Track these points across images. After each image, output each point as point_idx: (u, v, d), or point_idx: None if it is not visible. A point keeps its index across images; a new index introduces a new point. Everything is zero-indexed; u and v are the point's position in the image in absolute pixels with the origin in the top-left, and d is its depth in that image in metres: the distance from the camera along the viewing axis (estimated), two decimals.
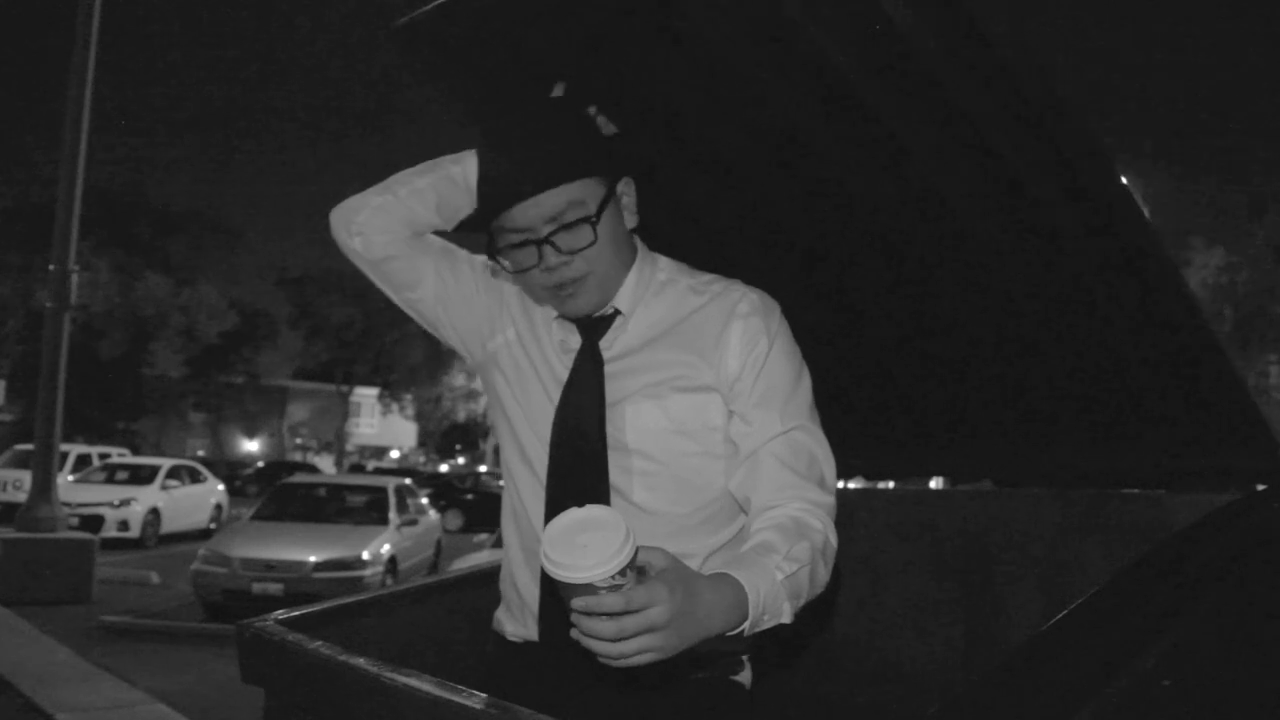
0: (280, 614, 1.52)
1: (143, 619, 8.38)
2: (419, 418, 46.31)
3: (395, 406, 44.88)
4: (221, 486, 19.23)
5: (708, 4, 1.53)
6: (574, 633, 1.04)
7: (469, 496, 23.07)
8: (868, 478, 2.85)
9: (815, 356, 1.48)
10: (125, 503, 15.25)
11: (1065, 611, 1.19)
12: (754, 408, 1.37)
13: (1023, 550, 2.29)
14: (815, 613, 1.29)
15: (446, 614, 1.86)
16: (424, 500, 13.76)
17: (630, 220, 1.45)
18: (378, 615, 1.75)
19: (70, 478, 16.65)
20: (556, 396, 1.43)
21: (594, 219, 1.34)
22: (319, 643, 1.35)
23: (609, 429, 1.39)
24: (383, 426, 49.25)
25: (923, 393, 2.29)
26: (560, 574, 1.00)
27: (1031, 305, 1.86)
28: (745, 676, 1.47)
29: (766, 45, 1.57)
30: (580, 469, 1.39)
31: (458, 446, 50.26)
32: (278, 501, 10.91)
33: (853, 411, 2.36)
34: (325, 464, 40.81)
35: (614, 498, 1.39)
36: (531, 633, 1.46)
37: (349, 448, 45.54)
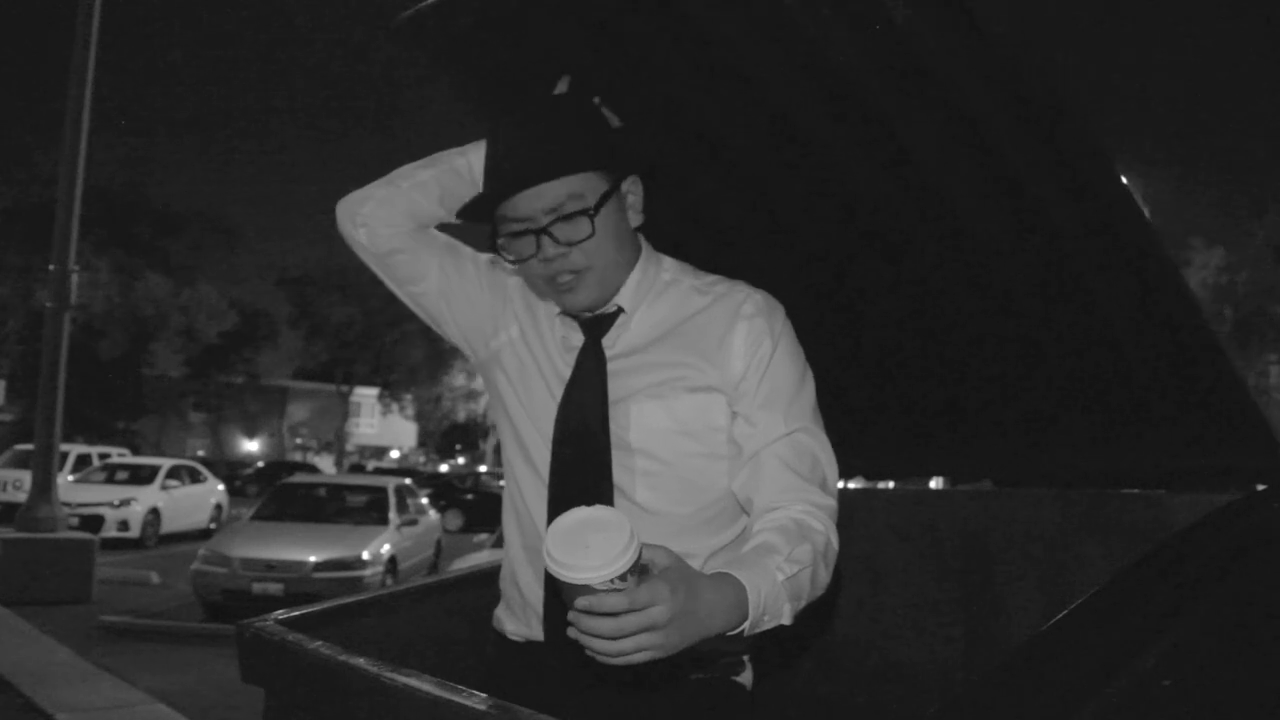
0: (280, 614, 1.52)
1: (143, 619, 8.38)
2: (419, 418, 46.31)
3: (395, 406, 44.88)
4: (221, 486, 19.22)
5: (710, 1, 1.53)
6: (572, 631, 1.04)
7: (469, 496, 23.06)
8: (868, 478, 2.85)
9: (816, 356, 1.48)
10: (125, 503, 15.25)
11: (1065, 611, 1.19)
12: (758, 409, 1.37)
13: (1023, 550, 2.29)
14: (815, 613, 1.29)
15: (446, 614, 1.86)
16: (424, 500, 13.76)
17: (635, 219, 1.45)
18: (378, 615, 1.75)
19: (70, 478, 16.65)
20: (559, 394, 1.43)
21: (592, 211, 1.34)
22: (319, 643, 1.35)
23: (612, 427, 1.39)
24: (383, 426, 49.25)
25: (923, 393, 2.29)
26: (563, 574, 1.00)
27: (1031, 305, 1.86)
28: (746, 677, 1.48)
29: (770, 42, 1.57)
30: (583, 467, 1.39)
31: (458, 446, 50.27)
32: (278, 501, 10.91)
33: (853, 411, 2.36)
34: (325, 464, 40.80)
35: (616, 497, 1.39)
36: (533, 631, 1.46)
37: (349, 448, 45.54)
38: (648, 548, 1.04)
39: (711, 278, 1.50)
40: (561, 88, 1.59)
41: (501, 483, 1.65)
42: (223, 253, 35.34)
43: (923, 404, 2.32)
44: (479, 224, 1.46)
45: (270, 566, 9.02)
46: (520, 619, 1.49)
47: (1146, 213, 1.52)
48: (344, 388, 42.54)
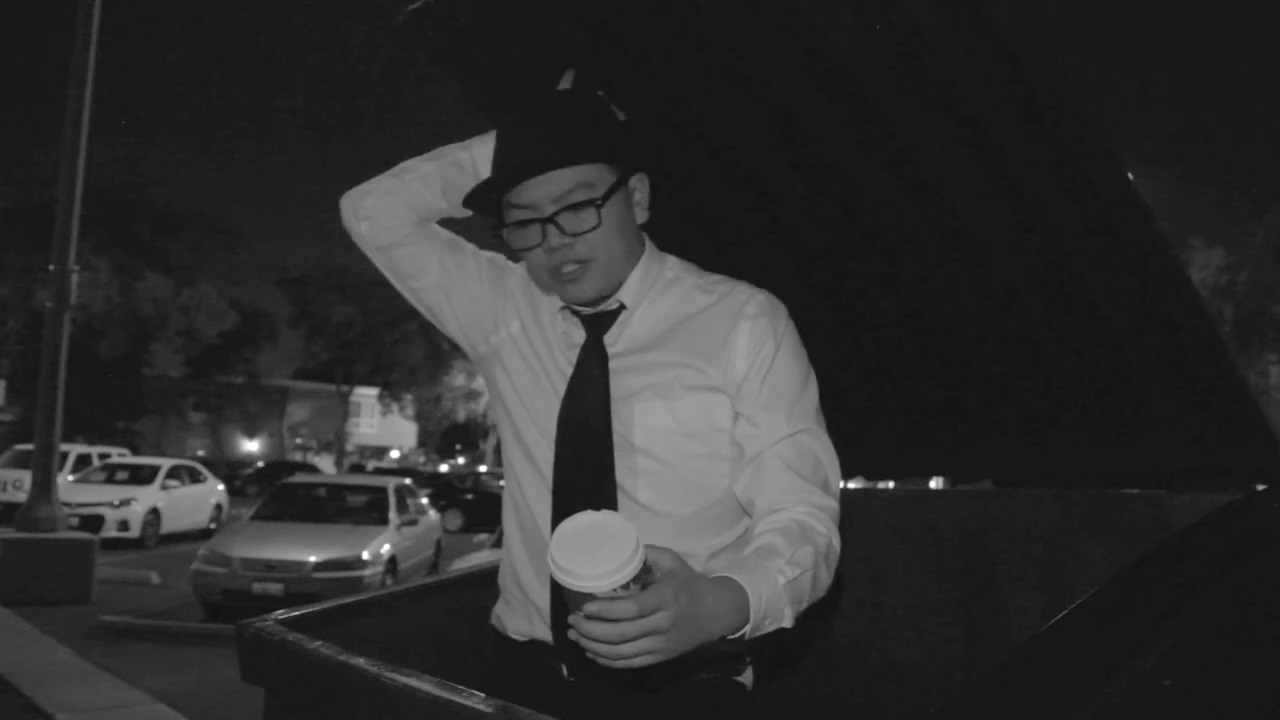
0: (280, 614, 1.52)
1: (143, 619, 8.38)
2: (419, 418, 46.31)
3: (395, 406, 44.88)
4: (221, 486, 19.23)
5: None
6: (573, 633, 1.04)
7: (469, 496, 23.06)
8: (868, 478, 2.85)
9: (816, 355, 1.47)
10: (125, 503, 15.25)
11: (1065, 611, 1.19)
12: (760, 410, 1.37)
13: (1023, 550, 2.29)
14: (816, 613, 1.29)
15: (446, 614, 1.86)
16: (424, 500, 13.76)
17: (641, 215, 1.45)
18: (378, 615, 1.75)
19: (70, 478, 16.65)
20: (560, 391, 1.43)
21: (599, 202, 1.35)
22: (319, 643, 1.35)
23: (615, 426, 1.39)
24: (383, 426, 49.25)
25: (923, 393, 2.29)
26: (568, 581, 0.99)
27: (1032, 305, 1.86)
28: (747, 677, 1.48)
29: (771, 41, 1.57)
30: (585, 466, 1.39)
31: (458, 446, 50.26)
32: (278, 501, 10.91)
33: (853, 411, 2.36)
34: (325, 464, 40.80)
35: (618, 496, 1.39)
36: (534, 629, 1.46)
37: (349, 448, 45.54)
38: (651, 550, 1.04)
39: (715, 277, 1.49)
40: (566, 83, 1.59)
41: (501, 483, 1.65)
42: (223, 253, 35.37)
43: (923, 404, 2.32)
44: (483, 215, 1.46)
45: (270, 566, 9.02)
46: (521, 616, 1.49)
47: (1149, 212, 1.51)
48: (344, 388, 42.54)
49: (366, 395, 45.95)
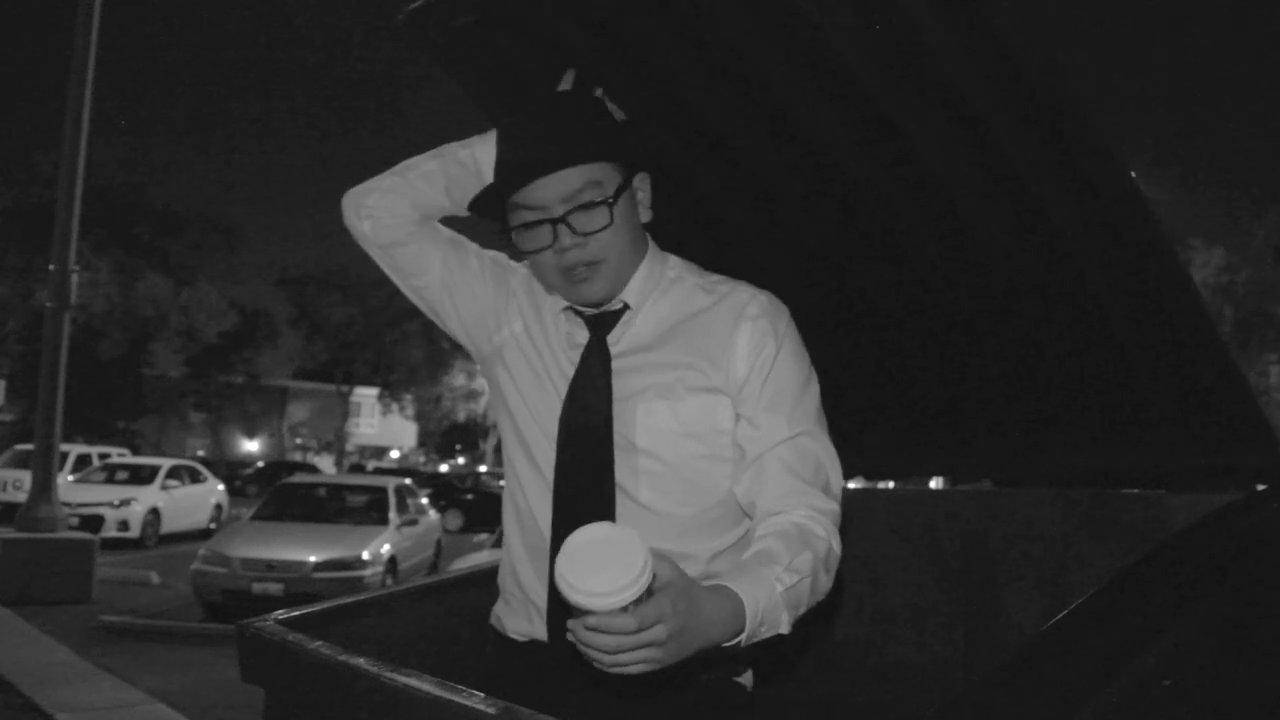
0: (280, 614, 1.52)
1: (143, 619, 8.38)
2: (419, 418, 46.30)
3: (395, 406, 44.88)
4: (221, 486, 19.22)
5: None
6: (571, 637, 1.05)
7: (469, 496, 23.07)
8: (868, 478, 2.85)
9: (816, 355, 1.47)
10: (125, 503, 15.25)
11: (1065, 611, 1.19)
12: (761, 411, 1.37)
13: (1023, 550, 2.29)
14: (816, 614, 1.29)
15: (446, 614, 1.86)
16: (424, 500, 13.77)
17: (644, 215, 1.45)
18: (378, 615, 1.75)
19: (70, 478, 16.65)
20: (562, 391, 1.43)
21: (611, 200, 1.34)
22: (319, 643, 1.35)
23: (617, 426, 1.39)
24: (383, 426, 49.24)
25: (923, 392, 2.29)
26: (572, 596, 1.00)
27: (1032, 305, 1.86)
28: (747, 678, 1.48)
29: (771, 41, 1.57)
30: (587, 466, 1.39)
31: (458, 446, 50.26)
32: (278, 501, 10.91)
33: (853, 411, 2.36)
34: (325, 464, 40.80)
35: (619, 496, 1.39)
36: (534, 629, 1.46)
37: (349, 448, 45.53)
38: (651, 558, 1.04)
39: (716, 277, 1.49)
40: (567, 82, 1.59)
41: (502, 483, 1.64)
42: (223, 253, 35.33)
43: (923, 404, 2.32)
44: (488, 219, 1.46)
45: (270, 566, 9.02)
46: (521, 616, 1.49)
47: (1149, 211, 1.51)
48: (344, 388, 42.54)
49: (366, 395, 45.95)
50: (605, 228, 1.34)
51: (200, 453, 39.48)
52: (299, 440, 46.48)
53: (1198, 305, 1.65)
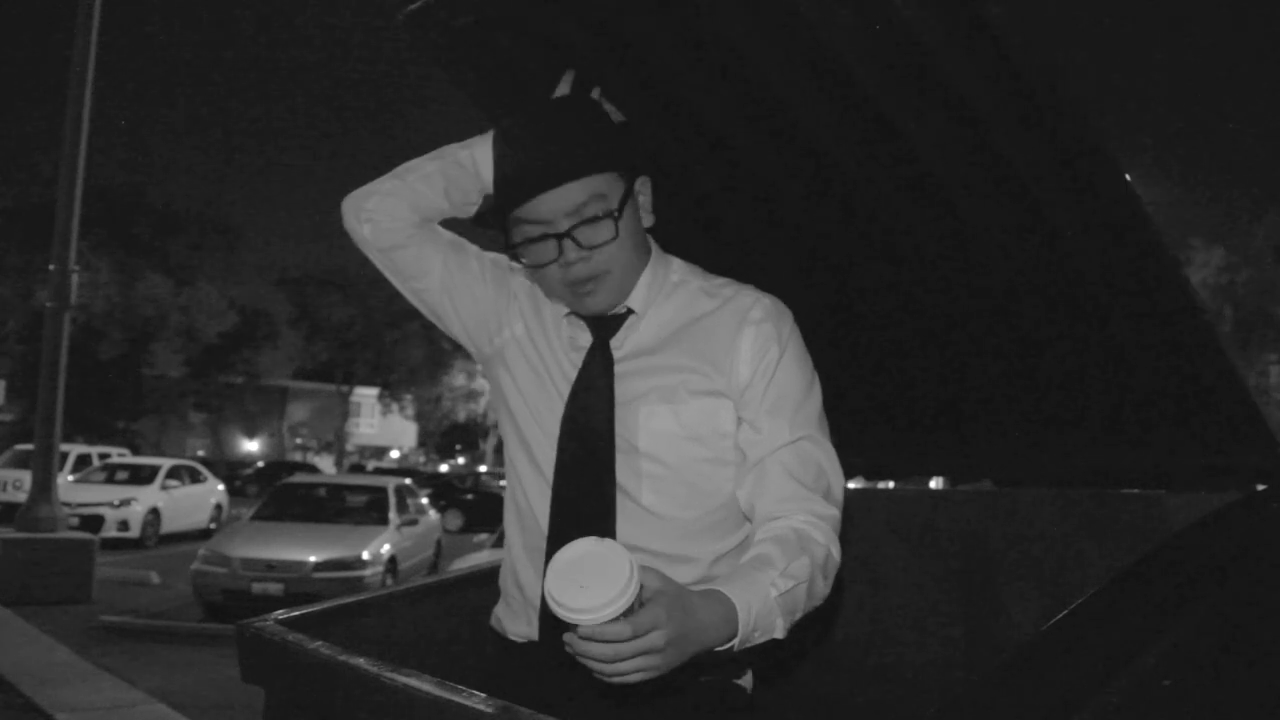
0: (280, 614, 1.52)
1: (143, 619, 8.38)
2: (419, 418, 46.29)
3: (395, 406, 44.86)
4: (221, 486, 19.23)
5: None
6: (568, 649, 1.05)
7: (469, 496, 23.07)
8: (868, 478, 2.84)
9: (816, 355, 1.47)
10: (125, 503, 15.25)
11: (1065, 611, 1.19)
12: (763, 415, 1.37)
13: (1023, 550, 2.29)
14: (815, 615, 1.29)
15: (446, 614, 1.86)
16: (424, 500, 13.77)
17: (647, 220, 1.44)
18: (378, 615, 1.75)
19: (70, 478, 16.65)
20: (565, 393, 1.43)
21: (616, 214, 1.34)
22: (319, 643, 1.35)
23: (619, 430, 1.39)
24: (383, 426, 49.24)
25: (923, 392, 2.29)
26: (561, 614, 1.00)
27: (1032, 305, 1.86)
28: (746, 679, 1.48)
29: (771, 41, 1.57)
30: (589, 469, 1.39)
31: (458, 446, 50.25)
32: (278, 501, 10.92)
33: (853, 411, 2.36)
34: (325, 464, 40.80)
35: (621, 499, 1.39)
36: (534, 632, 1.46)
37: (349, 448, 45.53)
38: (639, 571, 1.04)
39: (720, 280, 1.49)
40: (565, 84, 1.58)
41: (502, 483, 1.65)
42: (223, 253, 35.30)
43: (923, 404, 2.32)
44: (489, 229, 1.45)
45: (270, 566, 9.02)
46: (521, 618, 1.49)
47: (1147, 212, 1.51)
48: (344, 388, 42.52)
49: (366, 395, 45.94)
50: (610, 241, 1.34)
51: (200, 453, 39.48)
52: (299, 440, 46.47)
53: (1197, 305, 1.65)
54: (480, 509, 21.28)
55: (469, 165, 1.52)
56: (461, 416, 46.04)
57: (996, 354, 2.05)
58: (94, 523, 13.99)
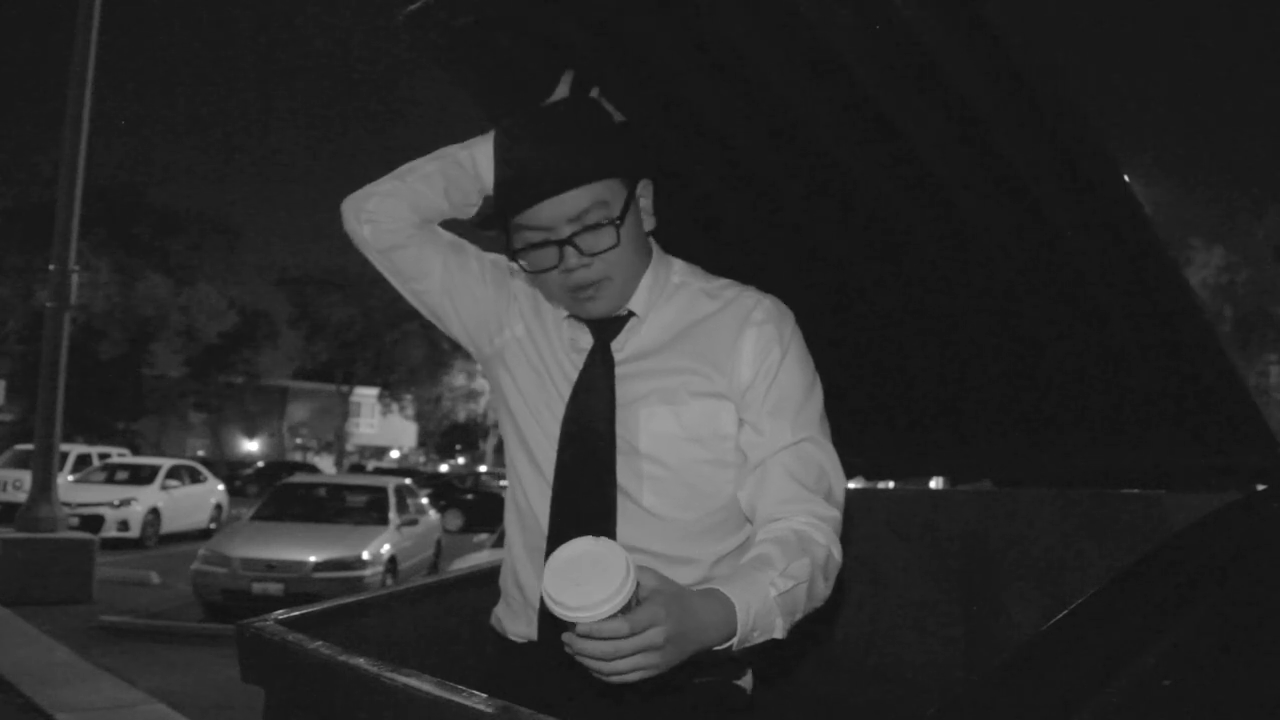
0: (280, 614, 1.52)
1: (143, 619, 8.38)
2: (419, 418, 46.29)
3: (395, 406, 44.87)
4: (221, 486, 19.23)
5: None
6: (568, 649, 1.05)
7: (469, 496, 23.07)
8: (868, 478, 2.84)
9: (816, 355, 1.47)
10: (125, 503, 15.25)
11: (1065, 611, 1.19)
12: (765, 417, 1.36)
13: (1023, 550, 2.29)
14: (815, 615, 1.29)
15: (446, 614, 1.86)
16: (424, 500, 13.77)
17: (648, 223, 1.44)
18: (378, 615, 1.75)
19: (70, 478, 16.65)
20: (565, 394, 1.43)
21: (618, 221, 1.33)
22: (319, 643, 1.35)
23: (620, 431, 1.39)
24: (383, 426, 49.24)
25: (923, 392, 2.29)
26: (558, 611, 1.00)
27: (1032, 305, 1.86)
28: (747, 681, 1.48)
29: (772, 41, 1.57)
30: (589, 470, 1.39)
31: (458, 446, 50.25)
32: (278, 501, 10.92)
33: (853, 411, 2.35)
34: (325, 464, 40.80)
35: (622, 500, 1.39)
36: (534, 632, 1.46)
37: (349, 448, 45.53)
38: (635, 570, 1.04)
39: (721, 281, 1.49)
40: (564, 85, 1.58)
41: (502, 483, 1.65)
42: (223, 253, 35.32)
43: (923, 404, 2.32)
44: (492, 231, 1.45)
45: (270, 566, 9.02)
46: (521, 618, 1.49)
47: (1147, 212, 1.51)
48: (344, 388, 42.53)
49: (366, 395, 45.95)
50: (612, 248, 1.33)
51: (200, 453, 39.49)
52: (299, 440, 46.47)
53: (1197, 305, 1.65)
54: (480, 509, 21.27)
55: (469, 166, 1.52)
56: (461, 416, 46.04)
57: (996, 354, 2.05)
58: (94, 523, 13.98)
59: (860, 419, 2.37)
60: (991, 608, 2.31)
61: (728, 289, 1.46)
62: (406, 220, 1.51)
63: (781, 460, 1.34)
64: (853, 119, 1.65)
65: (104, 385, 29.87)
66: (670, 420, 1.38)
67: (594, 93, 1.57)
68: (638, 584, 1.03)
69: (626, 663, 1.03)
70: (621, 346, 1.43)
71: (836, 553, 1.29)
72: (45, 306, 9.51)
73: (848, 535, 1.38)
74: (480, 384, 41.46)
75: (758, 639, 1.16)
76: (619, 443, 1.39)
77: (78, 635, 7.13)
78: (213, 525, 17.16)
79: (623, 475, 1.39)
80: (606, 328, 1.44)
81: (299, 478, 13.12)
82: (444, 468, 45.86)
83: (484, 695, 1.13)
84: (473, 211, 1.54)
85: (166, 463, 17.77)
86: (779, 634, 1.18)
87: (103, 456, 19.44)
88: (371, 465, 38.98)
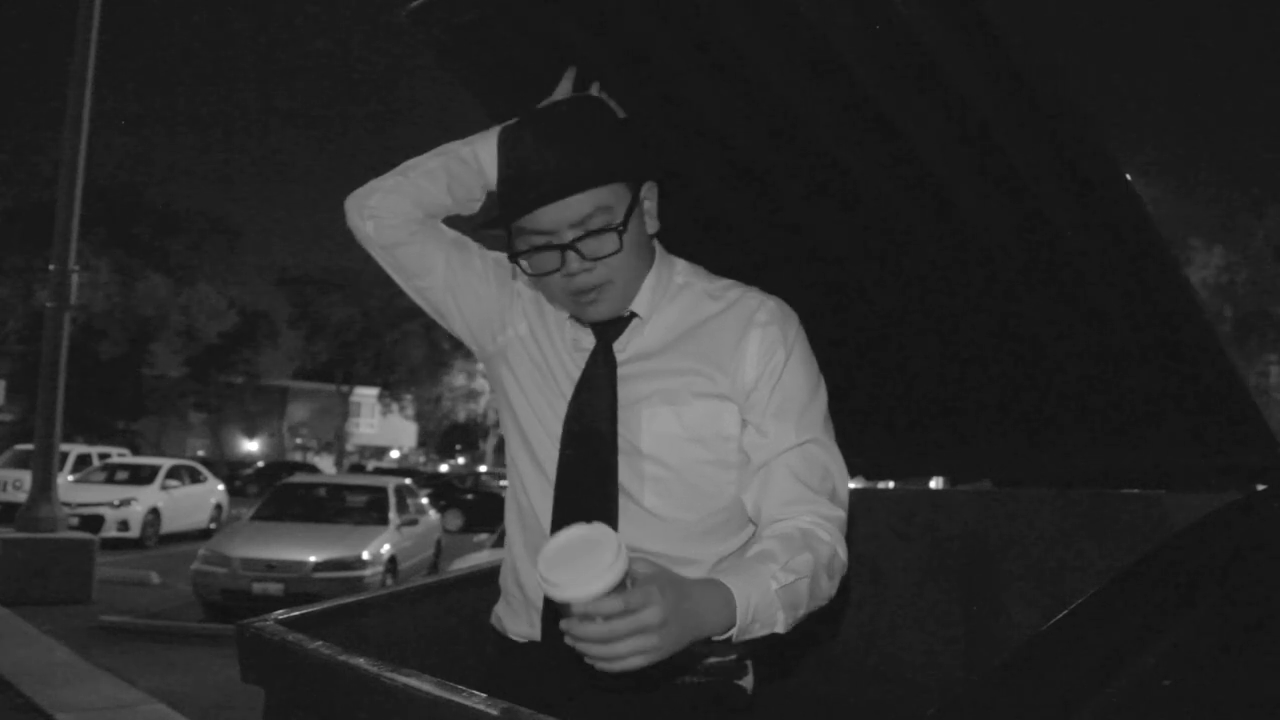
0: (280, 614, 1.52)
1: (143, 619, 8.38)
2: (419, 418, 46.30)
3: (395, 406, 44.89)
4: (221, 486, 19.22)
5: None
6: (568, 638, 1.04)
7: (469, 496, 23.06)
8: (868, 478, 2.84)
9: (816, 355, 1.47)
10: (125, 503, 15.25)
11: (1065, 611, 1.19)
12: (769, 418, 1.36)
13: (1023, 550, 2.29)
14: (816, 615, 1.28)
15: (446, 614, 1.86)
16: (424, 500, 13.76)
17: (652, 225, 1.43)
18: (378, 615, 1.75)
19: (70, 478, 16.65)
20: (568, 394, 1.43)
21: (621, 227, 1.32)
22: (319, 643, 1.35)
23: (622, 432, 1.39)
24: (383, 426, 49.25)
25: (923, 392, 2.29)
26: (551, 592, 1.00)
27: (1032, 305, 1.86)
28: (747, 681, 1.47)
29: (773, 40, 1.57)
30: (590, 470, 1.39)
31: (458, 446, 50.25)
32: (278, 501, 10.91)
33: (854, 411, 2.35)
34: (325, 464, 40.81)
35: (623, 501, 1.39)
36: (534, 630, 1.46)
37: (349, 448, 45.54)
38: (630, 559, 1.04)
39: (725, 282, 1.48)
40: (566, 82, 1.58)
41: (502, 483, 1.65)
42: (222, 253, 35.34)
43: (923, 404, 2.32)
44: (494, 231, 1.45)
45: (270, 566, 9.02)
46: (522, 618, 1.49)
47: (1147, 212, 1.51)
48: (344, 388, 42.55)
49: (366, 395, 45.96)
50: (615, 253, 1.33)
51: (200, 453, 39.50)
52: (299, 440, 46.48)
53: (1197, 305, 1.65)
54: (480, 509, 21.27)
55: (472, 161, 1.51)
56: (461, 416, 46.03)
57: (996, 354, 2.05)
58: (94, 523, 13.98)
59: (861, 419, 2.37)
60: (991, 608, 2.31)
61: (731, 290, 1.46)
62: (409, 216, 1.51)
63: (786, 462, 1.34)
64: (853, 119, 1.65)
65: (104, 385, 29.89)
66: (672, 421, 1.38)
67: (595, 89, 1.57)
68: (631, 565, 1.03)
69: (625, 645, 1.01)
70: (624, 347, 1.43)
71: (842, 552, 1.28)
72: (45, 306, 9.51)
73: (848, 535, 1.37)
74: (480, 384, 41.47)
75: (759, 631, 1.15)
76: (621, 443, 1.39)
77: (78, 635, 7.13)
78: (213, 525, 17.16)
79: (624, 475, 1.39)
80: (609, 328, 1.43)
81: (299, 478, 13.11)
82: (444, 468, 45.86)
83: (484, 695, 1.13)
84: (476, 207, 1.54)
85: (166, 463, 17.77)
86: (781, 628, 1.17)
87: (103, 456, 19.44)
88: (371, 465, 38.98)
